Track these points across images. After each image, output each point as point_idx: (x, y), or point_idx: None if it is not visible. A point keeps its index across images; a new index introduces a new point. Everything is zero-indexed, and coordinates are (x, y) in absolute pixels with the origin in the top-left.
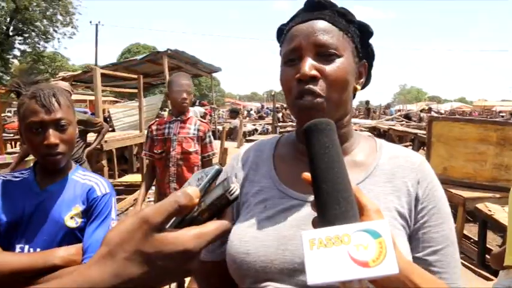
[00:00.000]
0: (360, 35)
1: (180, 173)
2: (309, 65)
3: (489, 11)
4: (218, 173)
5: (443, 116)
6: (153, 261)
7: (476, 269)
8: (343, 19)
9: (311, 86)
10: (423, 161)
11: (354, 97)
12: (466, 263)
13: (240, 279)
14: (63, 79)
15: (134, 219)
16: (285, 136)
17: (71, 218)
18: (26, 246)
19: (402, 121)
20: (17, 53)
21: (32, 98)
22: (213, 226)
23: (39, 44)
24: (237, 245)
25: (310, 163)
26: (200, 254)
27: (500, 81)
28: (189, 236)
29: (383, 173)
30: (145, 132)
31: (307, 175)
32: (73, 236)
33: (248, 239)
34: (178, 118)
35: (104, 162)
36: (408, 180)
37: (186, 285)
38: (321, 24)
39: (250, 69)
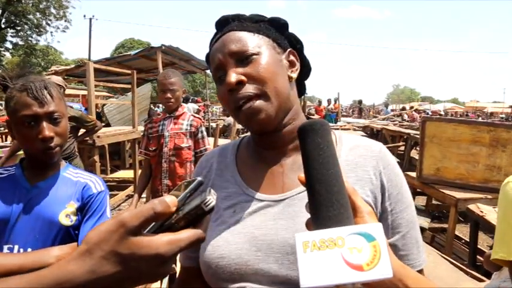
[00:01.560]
0: (276, 29)
1: (172, 169)
2: (232, 75)
3: (484, 13)
4: (200, 184)
5: (436, 116)
6: (127, 262)
7: (468, 270)
8: (251, 22)
9: (242, 92)
10: (382, 148)
11: (302, 90)
12: (457, 264)
13: (217, 283)
14: (56, 73)
15: (113, 222)
16: (245, 139)
17: (66, 215)
18: (16, 246)
19: (395, 121)
20: (8, 45)
21: (23, 90)
22: (187, 234)
23: (31, 37)
24: (210, 251)
25: (305, 164)
26: (173, 260)
27: (492, 83)
28: (162, 241)
29: (346, 164)
30: (139, 128)
31: (301, 176)
32: (67, 234)
33: (221, 243)
34: (172, 115)
35: (96, 157)
36: (370, 169)
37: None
38: (231, 35)
39: None
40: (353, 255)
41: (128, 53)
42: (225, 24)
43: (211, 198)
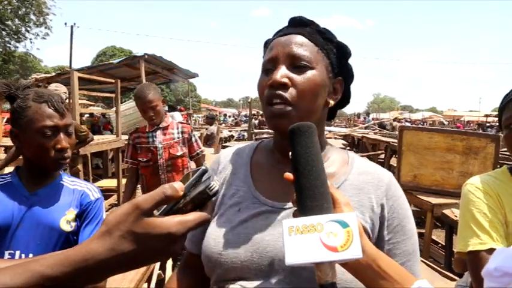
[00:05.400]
0: (338, 54)
1: (170, 178)
2: (281, 73)
3: (461, 24)
4: (204, 172)
5: (413, 125)
6: (142, 240)
7: (443, 271)
8: (321, 37)
9: (281, 92)
10: (391, 179)
11: (331, 112)
12: (433, 265)
13: (213, 274)
14: (36, 80)
15: (128, 205)
16: (263, 142)
17: (67, 222)
18: (17, 252)
19: (376, 129)
20: None
21: (43, 102)
22: (194, 216)
23: (10, 44)
24: (212, 246)
25: (293, 161)
26: (183, 239)
27: (468, 92)
28: (172, 222)
29: (351, 187)
30: (122, 138)
31: (288, 174)
32: (66, 240)
33: (222, 240)
34: (160, 126)
35: (80, 166)
36: (374, 197)
37: (166, 278)
38: (298, 38)
39: (227, 76)
40: (330, 239)
41: (111, 61)
42: (298, 24)
43: (215, 183)
